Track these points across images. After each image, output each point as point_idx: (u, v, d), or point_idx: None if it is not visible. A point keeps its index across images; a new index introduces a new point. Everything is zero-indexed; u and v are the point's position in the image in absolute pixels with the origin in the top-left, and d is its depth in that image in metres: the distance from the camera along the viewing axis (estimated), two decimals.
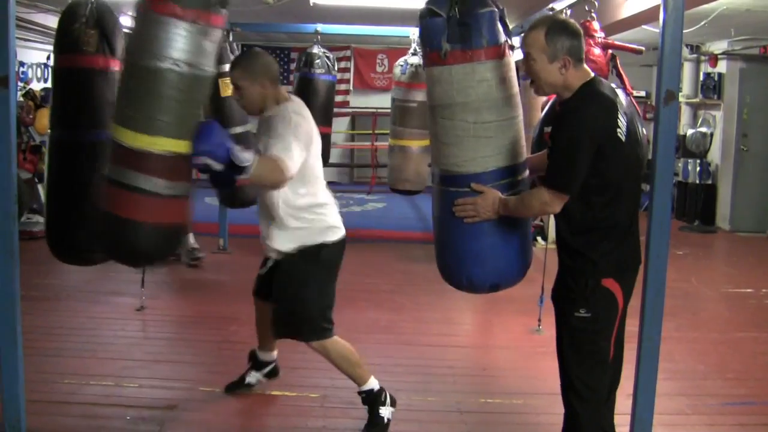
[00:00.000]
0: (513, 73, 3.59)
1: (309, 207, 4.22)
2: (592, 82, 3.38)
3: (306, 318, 4.28)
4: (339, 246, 4.33)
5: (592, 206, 3.34)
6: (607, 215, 3.35)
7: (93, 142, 4.63)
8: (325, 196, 4.30)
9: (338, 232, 4.31)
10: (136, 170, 3.62)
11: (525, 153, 3.71)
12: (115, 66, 4.69)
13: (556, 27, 3.34)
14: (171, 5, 3.54)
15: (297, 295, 4.27)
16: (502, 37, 3.56)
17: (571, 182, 3.28)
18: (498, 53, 3.55)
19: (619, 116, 3.28)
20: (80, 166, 4.65)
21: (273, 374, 4.93)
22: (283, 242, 4.25)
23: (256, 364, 4.88)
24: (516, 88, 3.61)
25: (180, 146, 3.65)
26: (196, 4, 3.59)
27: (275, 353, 4.90)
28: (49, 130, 4.90)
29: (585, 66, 3.41)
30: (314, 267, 4.26)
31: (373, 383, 4.40)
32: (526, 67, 3.41)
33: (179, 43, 3.56)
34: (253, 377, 4.88)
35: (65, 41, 4.60)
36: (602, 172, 3.27)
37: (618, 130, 3.26)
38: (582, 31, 3.42)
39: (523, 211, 3.53)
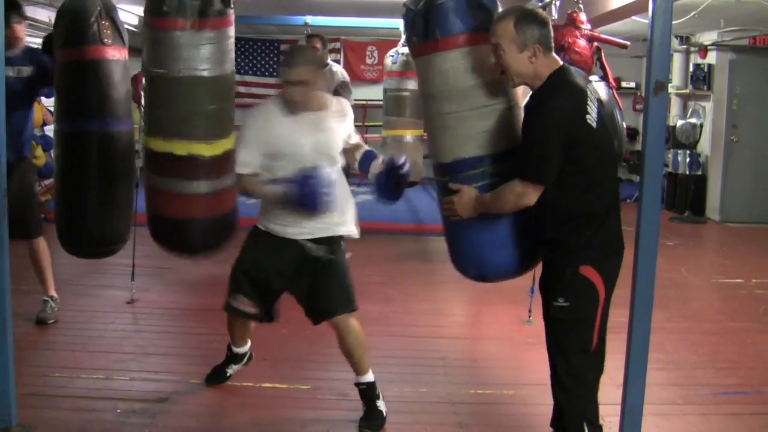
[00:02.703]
0: (481, 62, 3.55)
1: None
2: (561, 70, 3.40)
3: (351, 286, 4.41)
4: None
5: (568, 195, 3.34)
6: (583, 204, 3.36)
7: (118, 131, 4.82)
8: None
9: None
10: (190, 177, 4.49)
11: (511, 141, 3.62)
12: (126, 56, 4.87)
13: (526, 16, 3.34)
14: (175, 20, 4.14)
15: (343, 269, 4.39)
16: (464, 27, 3.54)
17: (544, 171, 3.30)
18: (456, 43, 3.54)
19: (589, 103, 3.30)
20: (111, 156, 4.82)
21: (249, 360, 4.95)
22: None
23: (235, 359, 4.88)
24: (491, 75, 3.54)
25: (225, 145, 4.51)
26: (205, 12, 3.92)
27: (249, 343, 4.89)
28: (56, 123, 4.87)
29: (554, 54, 3.42)
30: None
31: (371, 375, 4.41)
32: (495, 58, 3.40)
33: (196, 51, 4.22)
34: (231, 370, 4.88)
35: (82, 33, 4.58)
36: (576, 159, 3.28)
37: (587, 116, 3.27)
38: (549, 20, 3.43)
39: (500, 206, 3.50)
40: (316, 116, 4.25)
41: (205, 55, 4.29)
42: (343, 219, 4.35)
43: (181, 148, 4.41)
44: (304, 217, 4.16)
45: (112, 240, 5.02)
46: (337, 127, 4.35)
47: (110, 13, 4.66)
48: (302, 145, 4.17)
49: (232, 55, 4.53)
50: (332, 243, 4.33)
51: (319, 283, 4.31)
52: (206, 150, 4.45)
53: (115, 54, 4.69)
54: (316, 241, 4.28)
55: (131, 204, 5.03)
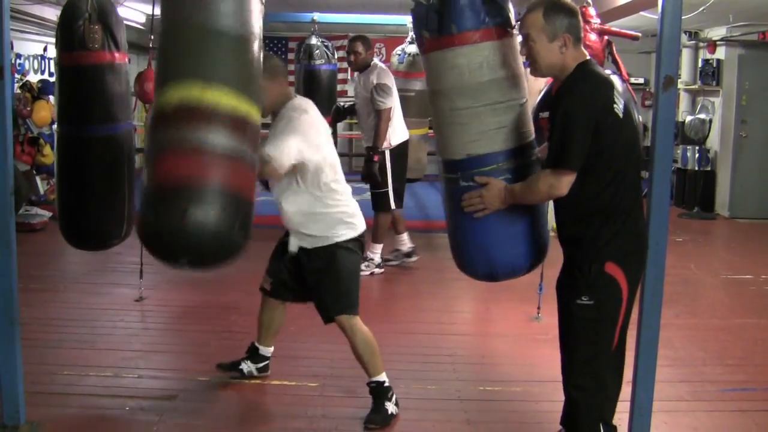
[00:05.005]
0: (499, 57, 3.53)
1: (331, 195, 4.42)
2: (588, 62, 3.39)
3: (349, 290, 4.47)
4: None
5: (593, 189, 3.31)
6: (608, 198, 3.33)
7: (105, 135, 4.73)
8: (342, 185, 4.50)
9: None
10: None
11: (524, 137, 3.63)
12: (120, 59, 4.74)
13: (554, 6, 3.34)
14: None
15: (339, 273, 4.42)
16: (480, 22, 3.51)
17: (574, 158, 3.25)
18: (472, 39, 3.51)
19: (616, 94, 3.29)
20: (93, 160, 4.77)
21: (265, 370, 4.95)
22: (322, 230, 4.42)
23: (254, 356, 4.90)
24: (506, 72, 3.55)
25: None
26: None
27: (272, 349, 4.93)
28: (55, 126, 4.91)
29: (582, 47, 3.41)
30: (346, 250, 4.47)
31: (383, 376, 4.42)
32: (525, 49, 3.40)
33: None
34: (246, 366, 4.89)
35: (70, 38, 4.61)
36: (602, 150, 3.25)
37: (615, 106, 3.26)
38: (578, 10, 3.41)
39: (531, 197, 3.47)
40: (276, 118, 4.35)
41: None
42: (311, 231, 4.42)
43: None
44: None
45: (106, 237, 5.10)
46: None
47: (103, 17, 4.64)
48: None
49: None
50: (327, 252, 4.41)
51: (317, 283, 4.44)
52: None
53: (104, 59, 4.67)
54: (309, 251, 4.44)
55: (123, 204, 4.99)
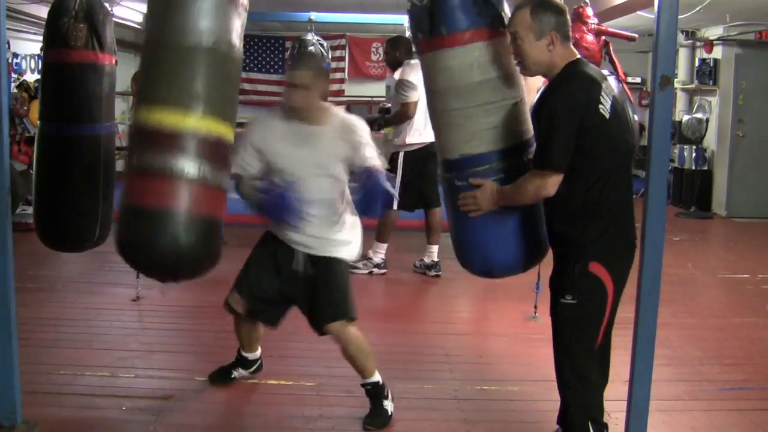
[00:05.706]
0: (490, 57, 3.54)
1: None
2: (577, 62, 3.40)
3: (348, 296, 4.36)
4: None
5: (579, 189, 3.32)
6: (594, 198, 3.33)
7: (81, 135, 4.70)
8: None
9: None
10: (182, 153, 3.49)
11: (519, 137, 3.64)
12: (105, 60, 4.71)
13: (542, 4, 3.36)
14: None
15: (336, 281, 4.33)
16: (470, 23, 3.52)
17: (558, 157, 3.27)
18: (462, 40, 3.52)
19: (603, 94, 3.29)
20: (67, 159, 4.74)
21: (258, 369, 4.95)
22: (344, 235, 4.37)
23: (243, 363, 4.88)
24: (499, 71, 3.56)
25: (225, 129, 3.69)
26: None
27: (259, 350, 4.91)
28: (38, 122, 4.90)
29: (571, 46, 3.42)
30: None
31: (378, 376, 4.41)
32: (513, 47, 3.41)
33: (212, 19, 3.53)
34: (238, 373, 4.87)
35: (54, 35, 4.61)
36: (587, 150, 3.26)
37: (600, 106, 3.26)
38: (566, 8, 3.42)
39: (519, 198, 3.47)
40: (311, 130, 4.17)
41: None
42: (345, 239, 4.34)
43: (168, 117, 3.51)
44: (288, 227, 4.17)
45: (77, 240, 5.08)
46: (334, 146, 4.16)
47: (90, 16, 4.62)
48: (293, 158, 4.13)
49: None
50: (331, 263, 4.32)
51: (314, 292, 4.33)
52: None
53: (86, 58, 4.65)
54: (314, 258, 4.30)
55: (97, 207, 4.94)
